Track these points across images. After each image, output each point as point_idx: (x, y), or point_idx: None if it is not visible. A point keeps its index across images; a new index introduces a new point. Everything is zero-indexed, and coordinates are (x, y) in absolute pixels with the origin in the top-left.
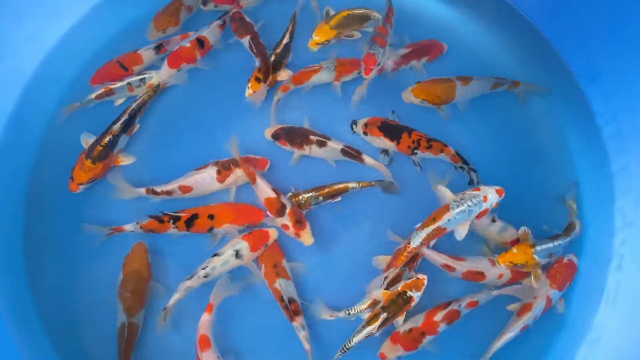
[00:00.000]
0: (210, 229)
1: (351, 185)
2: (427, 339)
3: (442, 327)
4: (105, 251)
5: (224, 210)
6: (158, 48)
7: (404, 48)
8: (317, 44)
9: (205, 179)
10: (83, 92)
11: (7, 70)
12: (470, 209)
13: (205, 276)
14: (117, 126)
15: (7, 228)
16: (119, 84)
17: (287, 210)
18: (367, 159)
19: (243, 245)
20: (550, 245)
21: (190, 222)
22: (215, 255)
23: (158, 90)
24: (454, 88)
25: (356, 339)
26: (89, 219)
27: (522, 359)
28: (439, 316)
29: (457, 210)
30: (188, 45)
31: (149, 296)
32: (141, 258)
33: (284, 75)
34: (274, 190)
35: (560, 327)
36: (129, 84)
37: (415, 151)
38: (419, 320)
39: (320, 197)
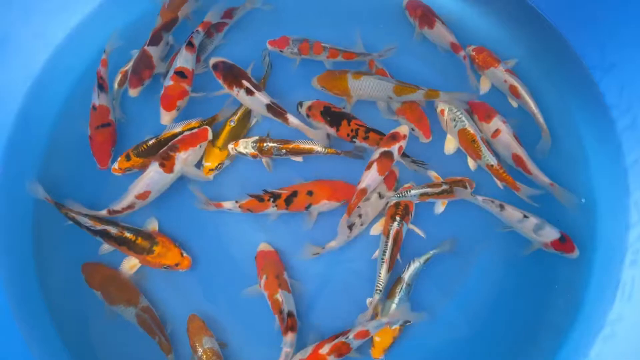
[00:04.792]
0: (309, 206)
1: (316, 148)
2: None
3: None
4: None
5: (321, 187)
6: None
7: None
8: (211, 170)
9: (154, 178)
10: (90, 88)
11: (15, 67)
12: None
13: (362, 224)
14: None
15: (17, 225)
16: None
17: (379, 155)
18: (292, 119)
19: (384, 187)
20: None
21: (289, 199)
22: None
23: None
24: (345, 79)
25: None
26: None
27: (537, 353)
28: (325, 349)
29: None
30: (171, 83)
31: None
32: (98, 267)
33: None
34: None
35: (575, 323)
36: None
37: (354, 140)
38: (306, 352)
39: (284, 150)
